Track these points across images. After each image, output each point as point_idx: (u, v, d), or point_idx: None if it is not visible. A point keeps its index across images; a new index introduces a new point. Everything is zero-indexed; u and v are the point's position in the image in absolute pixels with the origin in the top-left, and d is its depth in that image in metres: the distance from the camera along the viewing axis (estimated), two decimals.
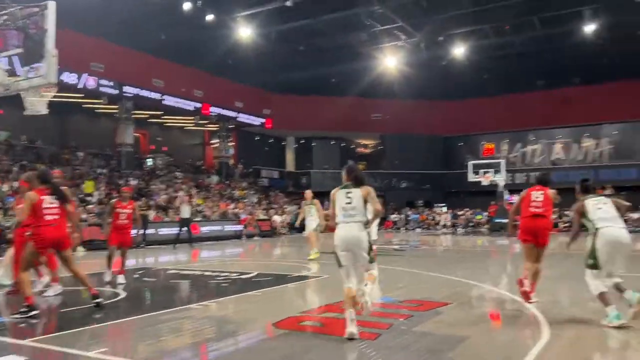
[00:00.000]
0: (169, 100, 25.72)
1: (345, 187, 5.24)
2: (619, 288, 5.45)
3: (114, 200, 9.22)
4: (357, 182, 5.22)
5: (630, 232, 21.26)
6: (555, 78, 30.97)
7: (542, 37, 25.68)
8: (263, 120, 32.16)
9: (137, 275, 9.90)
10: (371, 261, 5.09)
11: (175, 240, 17.35)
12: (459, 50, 26.61)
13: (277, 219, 25.00)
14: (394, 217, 31.28)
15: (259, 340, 5.08)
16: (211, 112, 28.21)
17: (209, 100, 27.93)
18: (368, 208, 5.18)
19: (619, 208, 5.84)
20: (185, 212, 17.63)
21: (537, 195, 6.64)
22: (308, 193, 12.84)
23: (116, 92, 23.21)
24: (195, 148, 33.22)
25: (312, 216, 12.45)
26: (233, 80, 29.65)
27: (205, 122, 29.97)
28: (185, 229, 17.48)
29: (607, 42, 25.60)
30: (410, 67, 29.18)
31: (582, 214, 5.81)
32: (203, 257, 14.85)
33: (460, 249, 18.43)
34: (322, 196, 36.85)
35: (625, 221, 19.01)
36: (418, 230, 28.78)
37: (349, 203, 5.11)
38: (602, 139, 31.33)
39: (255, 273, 9.94)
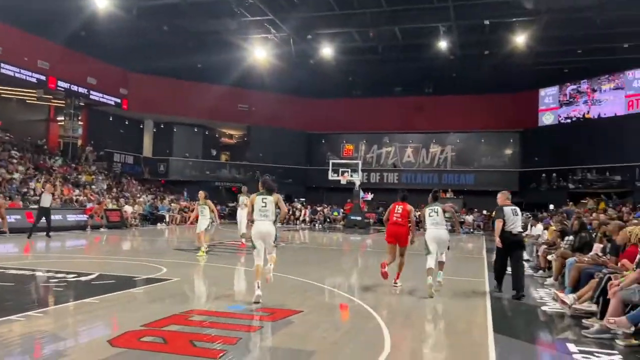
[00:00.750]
0: (7, 69, 22.83)
1: (261, 194, 7.24)
2: (439, 263, 8.39)
3: None
4: (269, 191, 7.24)
5: (465, 233, 23.54)
6: (411, 86, 33.31)
7: (402, 47, 27.32)
8: (119, 100, 29.97)
9: None
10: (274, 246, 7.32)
11: (48, 229, 16.44)
12: (326, 51, 27.19)
13: (128, 209, 23.35)
14: None
15: None
16: (58, 86, 25.51)
17: (56, 74, 25.18)
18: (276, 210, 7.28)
19: (444, 211, 8.55)
20: (46, 201, 16.44)
21: (399, 208, 8.68)
22: (201, 193, 13.44)
23: None
24: (38, 125, 29.68)
25: (204, 216, 13.01)
26: (86, 55, 27.07)
27: (51, 97, 26.99)
28: (43, 219, 16.42)
29: (458, 59, 28.11)
30: (279, 61, 29.16)
31: (423, 217, 8.64)
32: (38, 252, 13.26)
33: (316, 246, 18.88)
34: (181, 185, 35.23)
35: (462, 223, 21.78)
36: (278, 225, 28.92)
37: (264, 206, 7.16)
38: (447, 146, 34.46)
39: (96, 274, 9.06)
